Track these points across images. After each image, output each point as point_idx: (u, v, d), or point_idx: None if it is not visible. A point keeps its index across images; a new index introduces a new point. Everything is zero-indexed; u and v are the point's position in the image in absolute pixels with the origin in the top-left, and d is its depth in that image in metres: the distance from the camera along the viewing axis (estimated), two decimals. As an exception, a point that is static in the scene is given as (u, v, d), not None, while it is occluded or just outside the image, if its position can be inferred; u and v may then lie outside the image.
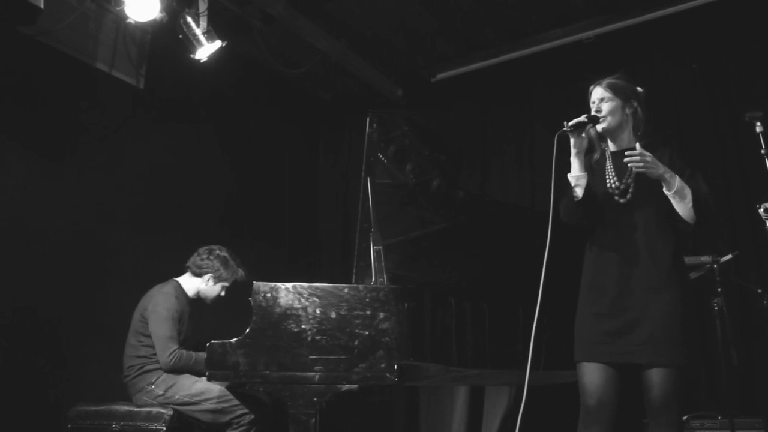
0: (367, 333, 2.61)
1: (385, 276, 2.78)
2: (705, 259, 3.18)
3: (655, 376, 2.32)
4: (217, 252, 3.53)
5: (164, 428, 3.10)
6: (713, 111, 4.24)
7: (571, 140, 2.51)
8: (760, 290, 3.26)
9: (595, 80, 2.61)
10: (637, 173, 2.47)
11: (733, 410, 3.15)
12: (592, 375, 2.41)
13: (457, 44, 4.95)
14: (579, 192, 2.51)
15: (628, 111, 2.54)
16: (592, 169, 2.61)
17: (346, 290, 2.67)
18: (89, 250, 3.82)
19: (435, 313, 2.80)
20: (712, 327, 3.19)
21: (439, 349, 2.79)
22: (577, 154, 2.52)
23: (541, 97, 4.93)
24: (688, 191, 2.37)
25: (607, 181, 2.54)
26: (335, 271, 5.30)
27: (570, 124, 2.47)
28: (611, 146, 2.60)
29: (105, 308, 3.75)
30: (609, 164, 2.56)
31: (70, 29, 3.82)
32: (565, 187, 2.55)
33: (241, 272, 3.57)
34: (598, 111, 2.53)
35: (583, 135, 2.51)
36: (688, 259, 3.19)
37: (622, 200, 2.49)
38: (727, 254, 3.22)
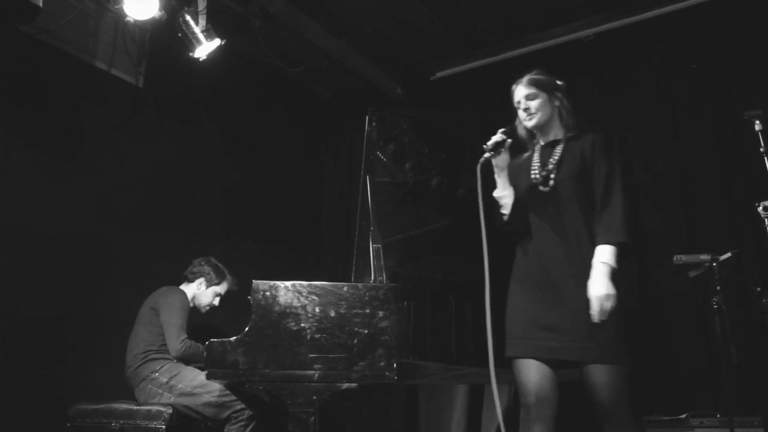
0: (366, 331, 2.61)
1: (384, 274, 2.78)
2: (704, 257, 3.16)
3: (597, 377, 2.25)
4: (211, 259, 3.79)
5: (164, 426, 3.11)
6: (713, 109, 4.22)
7: (493, 161, 2.48)
8: (759, 289, 3.25)
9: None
10: (558, 161, 2.47)
11: (732, 408, 3.15)
12: (529, 373, 2.35)
13: (457, 42, 4.95)
14: (506, 211, 2.51)
15: (555, 104, 2.56)
16: (521, 167, 2.59)
17: (345, 289, 2.67)
18: (90, 249, 3.82)
19: (435, 311, 2.80)
20: (712, 325, 3.18)
21: (439, 348, 2.79)
22: (500, 172, 2.51)
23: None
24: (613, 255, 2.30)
25: (532, 172, 2.53)
26: (339, 269, 5.29)
27: (489, 147, 2.45)
28: (541, 141, 2.61)
29: (107, 307, 3.76)
30: (536, 156, 2.56)
31: (69, 27, 3.82)
32: (494, 203, 2.53)
33: (231, 279, 3.81)
34: (527, 109, 2.53)
35: (502, 151, 2.49)
36: (687, 258, 3.19)
37: (544, 189, 2.47)
38: (726, 252, 3.20)
